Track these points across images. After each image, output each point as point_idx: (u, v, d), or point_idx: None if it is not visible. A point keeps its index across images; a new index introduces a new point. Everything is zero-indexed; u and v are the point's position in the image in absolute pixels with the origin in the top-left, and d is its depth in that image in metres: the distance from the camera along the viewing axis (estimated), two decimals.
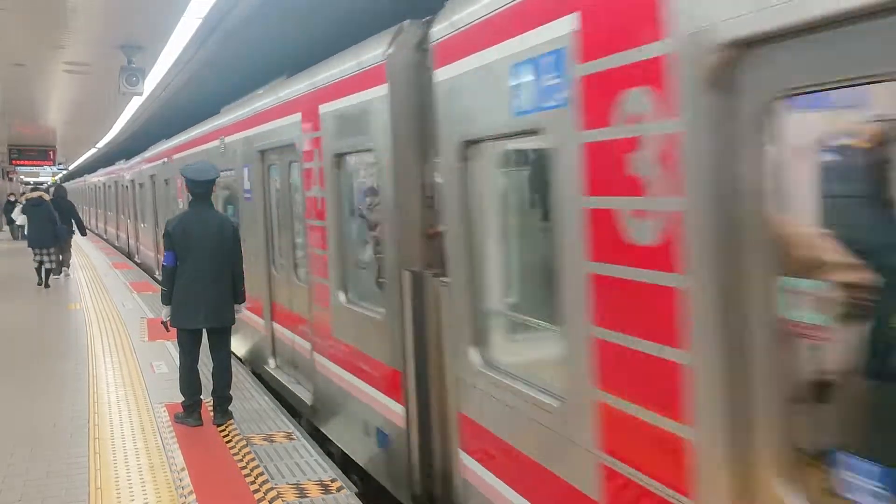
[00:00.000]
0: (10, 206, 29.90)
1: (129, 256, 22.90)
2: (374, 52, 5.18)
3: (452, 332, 4.44)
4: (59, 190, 19.03)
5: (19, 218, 19.44)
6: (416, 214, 4.87)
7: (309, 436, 6.59)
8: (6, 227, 29.84)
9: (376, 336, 5.40)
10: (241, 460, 5.87)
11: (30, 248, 16.24)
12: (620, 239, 2.86)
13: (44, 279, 16.02)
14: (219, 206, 9.25)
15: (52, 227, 16.09)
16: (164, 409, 7.15)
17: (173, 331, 6.81)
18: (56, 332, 11.28)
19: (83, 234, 19.03)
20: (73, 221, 17.60)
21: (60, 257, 17.03)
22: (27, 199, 17.09)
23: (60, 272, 17.26)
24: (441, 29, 4.37)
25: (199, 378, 6.78)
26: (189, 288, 6.56)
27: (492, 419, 4.08)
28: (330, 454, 6.35)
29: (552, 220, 3.37)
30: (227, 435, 6.47)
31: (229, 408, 6.88)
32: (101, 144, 31.79)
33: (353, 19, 7.25)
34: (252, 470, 5.66)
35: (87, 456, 6.02)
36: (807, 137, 2.63)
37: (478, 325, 4.23)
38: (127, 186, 22.39)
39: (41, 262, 15.94)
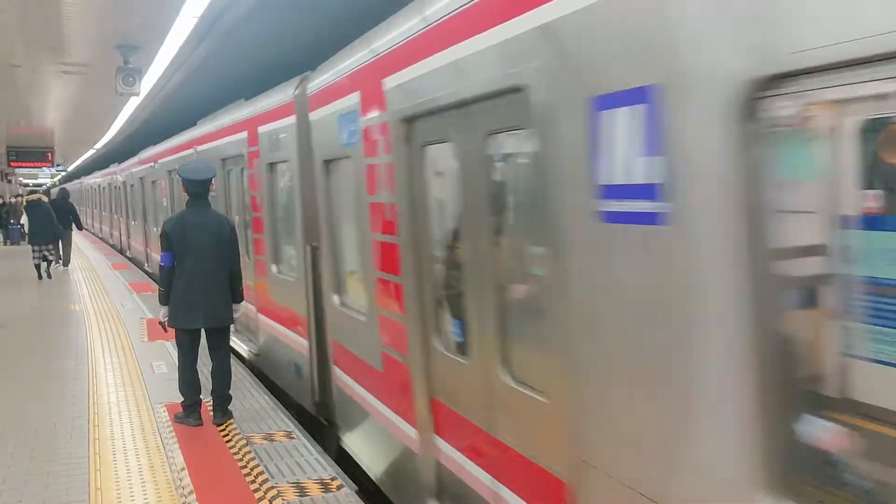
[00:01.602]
0: None
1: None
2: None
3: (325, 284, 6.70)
4: (62, 192, 21.82)
5: (23, 218, 22.24)
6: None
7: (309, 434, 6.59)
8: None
9: None
10: (241, 460, 5.87)
11: (30, 245, 17.83)
12: (384, 218, 4.99)
13: (44, 271, 17.53)
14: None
15: (51, 225, 17.94)
16: (164, 409, 7.15)
17: (172, 331, 6.80)
18: (56, 333, 11.28)
19: (80, 228, 21.66)
20: (72, 220, 20.07)
21: (60, 252, 19.35)
22: (28, 202, 18.93)
23: (59, 263, 19.27)
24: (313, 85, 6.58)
25: (199, 378, 6.77)
26: (187, 288, 6.54)
27: (344, 339, 6.25)
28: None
29: (359, 209, 5.50)
30: (227, 434, 6.47)
31: (229, 407, 6.88)
32: (99, 145, 31.76)
33: (351, 17, 7.23)
34: (252, 469, 5.66)
35: (87, 456, 6.02)
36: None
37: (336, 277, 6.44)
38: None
39: (42, 258, 17.58)
